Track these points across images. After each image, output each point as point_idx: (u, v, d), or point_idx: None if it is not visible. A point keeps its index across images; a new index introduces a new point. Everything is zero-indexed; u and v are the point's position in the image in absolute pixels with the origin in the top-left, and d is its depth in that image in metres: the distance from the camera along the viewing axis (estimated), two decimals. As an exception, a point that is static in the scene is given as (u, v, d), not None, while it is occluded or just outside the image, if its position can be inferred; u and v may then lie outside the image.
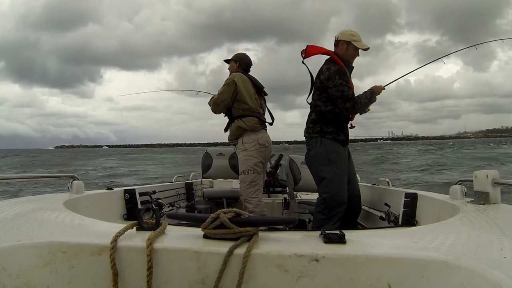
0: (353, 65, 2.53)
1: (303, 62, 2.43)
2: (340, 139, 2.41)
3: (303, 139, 2.59)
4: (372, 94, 2.43)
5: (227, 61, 3.11)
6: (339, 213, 2.30)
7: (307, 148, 2.50)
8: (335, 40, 2.49)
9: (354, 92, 2.49)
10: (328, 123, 2.41)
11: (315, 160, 2.43)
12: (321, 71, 2.42)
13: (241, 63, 3.01)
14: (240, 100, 2.82)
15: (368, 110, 2.53)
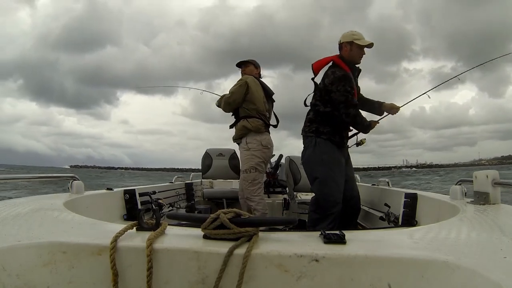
0: (360, 68, 2.54)
1: (312, 79, 2.48)
2: (335, 141, 2.41)
3: None
4: (369, 126, 2.45)
5: (241, 63, 3.16)
6: (333, 213, 2.29)
7: (303, 147, 2.53)
8: (338, 44, 2.51)
9: (362, 95, 2.55)
10: (325, 123, 2.42)
11: (309, 160, 2.45)
12: (326, 75, 2.45)
13: (260, 69, 3.17)
14: (249, 100, 2.92)
15: (363, 143, 2.57)
